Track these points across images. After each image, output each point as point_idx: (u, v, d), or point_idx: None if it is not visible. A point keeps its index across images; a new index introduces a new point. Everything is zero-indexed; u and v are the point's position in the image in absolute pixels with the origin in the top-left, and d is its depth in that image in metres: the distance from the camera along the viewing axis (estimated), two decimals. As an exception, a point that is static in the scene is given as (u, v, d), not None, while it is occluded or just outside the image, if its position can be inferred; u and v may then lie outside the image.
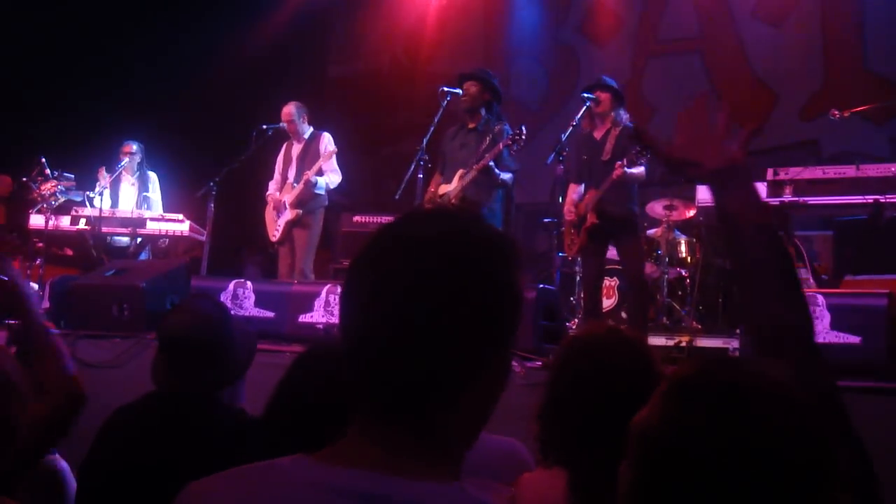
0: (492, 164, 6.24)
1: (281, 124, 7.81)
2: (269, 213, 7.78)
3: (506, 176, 6.40)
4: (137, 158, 8.53)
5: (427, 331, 1.06)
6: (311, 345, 2.14)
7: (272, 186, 7.85)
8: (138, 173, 8.54)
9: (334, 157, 7.65)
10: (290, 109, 7.76)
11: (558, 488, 2.00)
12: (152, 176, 8.61)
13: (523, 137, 6.19)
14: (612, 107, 6.26)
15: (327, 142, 7.69)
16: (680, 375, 1.11)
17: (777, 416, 1.02)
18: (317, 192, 7.56)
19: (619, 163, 6.09)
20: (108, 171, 8.32)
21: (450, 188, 6.46)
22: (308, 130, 7.82)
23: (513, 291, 1.13)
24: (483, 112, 6.61)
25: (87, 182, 8.29)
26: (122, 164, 8.30)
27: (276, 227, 7.67)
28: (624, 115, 6.35)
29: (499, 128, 6.31)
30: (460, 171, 6.41)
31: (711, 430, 1.03)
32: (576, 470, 1.99)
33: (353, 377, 1.13)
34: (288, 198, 7.58)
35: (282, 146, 7.98)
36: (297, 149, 7.80)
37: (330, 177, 7.61)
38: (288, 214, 7.56)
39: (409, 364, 1.07)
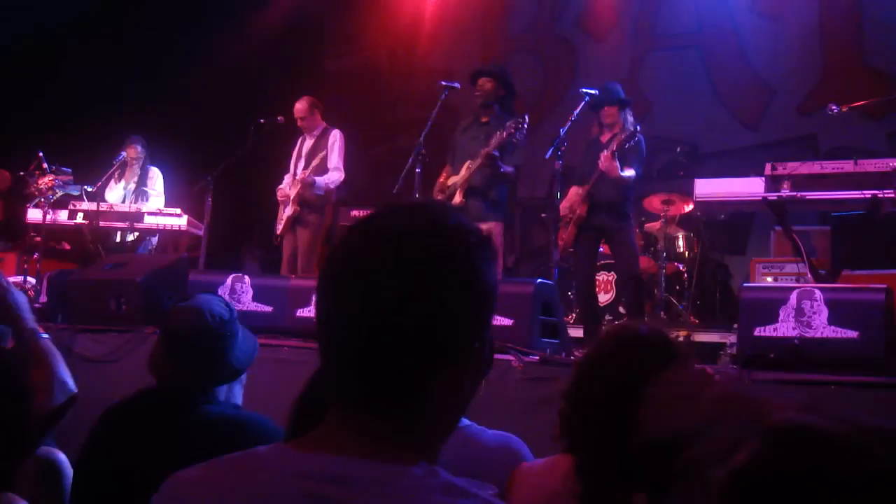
0: (496, 153, 6.33)
1: (278, 118, 7.81)
2: (280, 204, 7.80)
3: (508, 169, 6.47)
4: (141, 160, 8.56)
5: (397, 323, 1.09)
6: None
7: (286, 180, 7.84)
8: (139, 173, 8.55)
9: (340, 155, 7.64)
10: (301, 105, 7.75)
11: (556, 477, 2.02)
12: (155, 171, 8.62)
13: (525, 126, 6.30)
14: (619, 115, 6.48)
15: (335, 139, 7.67)
16: (780, 422, 1.08)
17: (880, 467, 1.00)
18: (315, 191, 7.55)
19: (604, 153, 6.23)
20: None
21: (457, 178, 6.58)
22: (320, 126, 7.80)
23: (483, 284, 1.14)
24: (497, 108, 6.73)
25: (84, 176, 8.28)
26: (120, 158, 8.27)
27: (280, 220, 7.72)
28: (630, 119, 6.51)
29: (509, 122, 6.39)
30: (468, 162, 6.50)
31: (813, 478, 1.02)
32: (585, 456, 2.00)
33: (326, 367, 1.16)
34: (292, 193, 7.60)
35: (296, 140, 7.97)
36: (307, 144, 7.80)
37: (330, 175, 7.59)
38: (289, 210, 7.59)
39: (381, 356, 1.10)
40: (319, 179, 7.52)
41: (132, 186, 8.51)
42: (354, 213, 8.83)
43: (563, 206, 6.51)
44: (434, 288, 1.10)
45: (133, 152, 8.52)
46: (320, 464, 1.10)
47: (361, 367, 1.11)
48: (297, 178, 7.53)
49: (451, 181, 6.67)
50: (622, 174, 6.26)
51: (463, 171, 6.54)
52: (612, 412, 1.99)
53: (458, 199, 6.47)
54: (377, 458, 1.09)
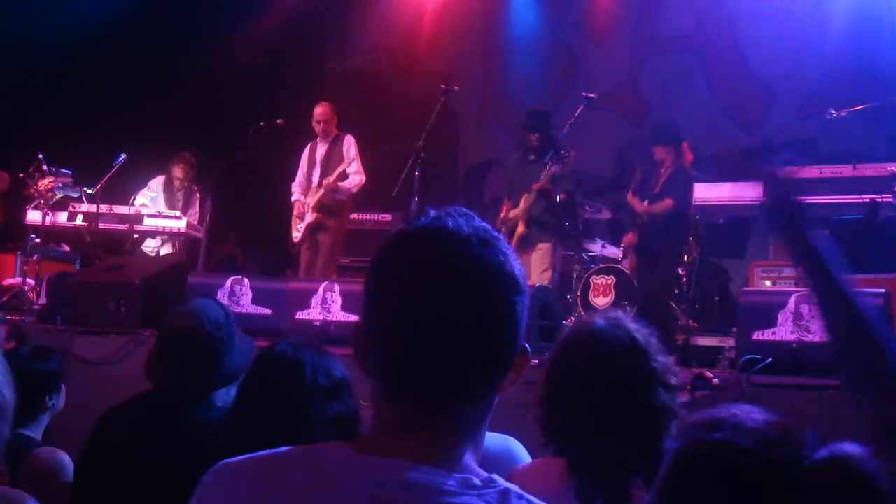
0: (550, 185, 7.06)
1: (278, 121, 7.81)
2: (295, 214, 7.81)
3: (560, 196, 7.22)
4: (188, 181, 8.59)
5: (468, 332, 1.12)
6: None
7: (296, 189, 7.85)
8: (183, 196, 8.58)
9: (358, 159, 7.66)
10: (325, 110, 7.74)
11: (553, 477, 2.03)
12: (196, 195, 8.68)
13: (567, 159, 7.04)
14: (668, 152, 7.15)
15: (350, 144, 7.68)
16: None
17: None
18: (338, 196, 7.60)
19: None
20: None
21: (517, 211, 7.25)
22: (333, 132, 7.80)
23: (527, 289, 1.20)
24: (541, 143, 7.31)
25: (83, 178, 8.28)
26: (119, 160, 8.25)
27: (297, 229, 7.73)
28: (680, 159, 7.14)
29: (553, 154, 7.08)
30: (525, 195, 7.15)
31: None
32: (573, 454, 2.02)
33: (384, 368, 1.16)
34: (311, 201, 7.63)
35: (304, 147, 7.95)
36: (321, 151, 7.78)
37: (352, 179, 7.62)
38: (309, 217, 7.61)
39: (455, 357, 1.12)
40: (342, 184, 7.58)
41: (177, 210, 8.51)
42: (354, 215, 8.83)
43: None
44: (506, 291, 1.14)
45: (180, 173, 8.56)
46: (383, 469, 1.10)
47: (432, 369, 1.12)
48: (323, 185, 7.55)
49: (511, 213, 7.33)
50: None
51: (521, 204, 7.20)
52: (587, 411, 2.02)
53: (521, 228, 7.19)
54: (437, 464, 1.11)
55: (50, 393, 3.35)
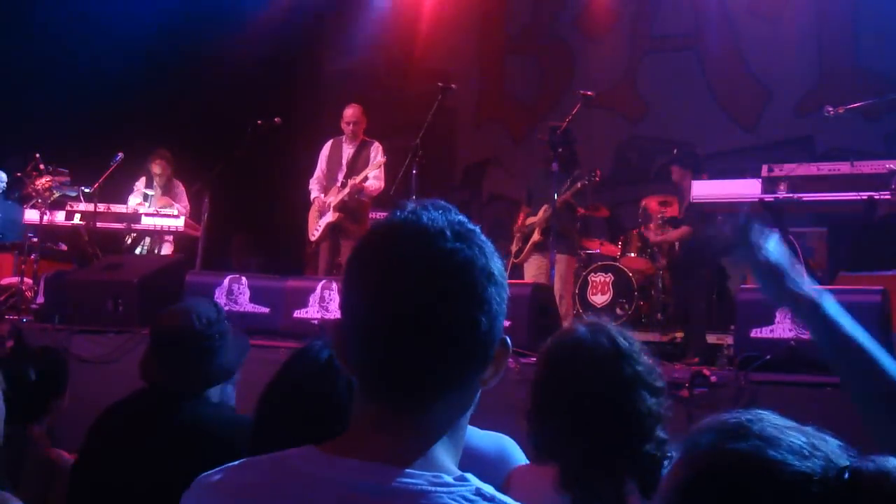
0: (573, 200, 7.20)
1: (276, 120, 7.79)
2: (312, 212, 7.84)
3: (580, 209, 7.48)
4: (167, 176, 8.71)
5: (443, 327, 1.10)
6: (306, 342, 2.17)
7: (314, 186, 7.87)
8: (165, 189, 8.69)
9: (383, 167, 7.70)
10: (356, 112, 7.82)
11: (548, 481, 2.03)
12: (180, 187, 8.79)
13: (597, 180, 7.29)
14: (684, 176, 7.13)
15: (378, 152, 7.73)
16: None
17: None
18: (362, 197, 7.67)
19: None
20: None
21: (535, 219, 7.29)
22: (360, 137, 7.85)
23: (506, 280, 1.18)
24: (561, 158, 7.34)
25: (81, 177, 8.27)
26: (117, 159, 8.24)
27: (316, 227, 7.75)
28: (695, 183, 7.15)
29: (578, 171, 7.18)
30: (545, 206, 7.14)
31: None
32: (566, 464, 2.02)
33: (362, 368, 1.15)
34: (332, 200, 7.65)
35: (325, 143, 7.98)
36: (348, 152, 7.82)
37: (373, 183, 7.66)
38: (329, 216, 7.64)
39: (432, 354, 1.10)
40: (367, 185, 7.63)
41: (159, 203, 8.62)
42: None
43: None
44: (480, 284, 1.12)
45: (157, 168, 8.68)
46: (355, 471, 1.09)
47: (409, 367, 1.11)
48: (349, 185, 7.57)
49: (528, 221, 7.37)
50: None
51: (540, 213, 7.20)
52: (574, 420, 2.02)
53: (536, 236, 7.25)
54: (410, 463, 1.10)
55: (54, 394, 3.35)
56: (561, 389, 2.06)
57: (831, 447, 1.04)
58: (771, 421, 1.06)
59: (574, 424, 2.02)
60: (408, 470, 1.09)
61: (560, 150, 6.89)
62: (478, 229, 1.17)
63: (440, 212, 1.16)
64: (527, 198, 7.57)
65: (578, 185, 7.12)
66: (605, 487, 1.99)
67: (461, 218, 1.17)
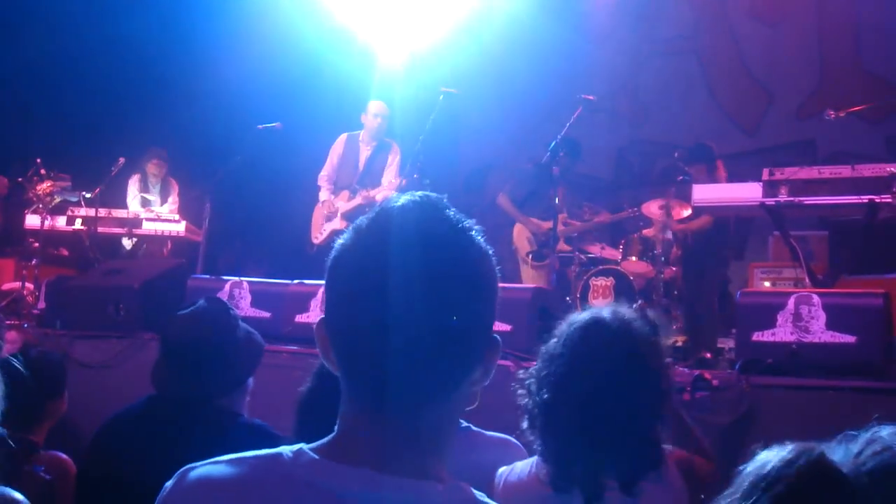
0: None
1: (276, 124, 7.78)
2: (319, 213, 7.52)
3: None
4: (163, 175, 8.80)
5: (431, 329, 1.06)
6: None
7: (323, 182, 7.52)
8: (162, 188, 8.76)
9: (397, 171, 7.27)
10: (382, 108, 7.37)
11: (534, 477, 2.05)
12: (174, 185, 8.84)
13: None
14: (700, 170, 7.19)
15: (397, 156, 7.32)
16: None
17: None
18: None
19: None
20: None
21: (550, 226, 7.35)
22: (380, 137, 7.44)
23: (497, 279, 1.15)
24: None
25: (82, 182, 8.27)
26: (118, 164, 8.25)
27: (321, 231, 7.45)
28: (714, 177, 7.20)
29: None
30: (562, 218, 7.33)
31: None
32: (559, 462, 2.03)
33: (353, 375, 1.11)
34: (342, 206, 7.32)
35: (338, 137, 7.60)
36: (365, 153, 7.43)
37: (387, 194, 7.44)
38: (336, 223, 7.27)
39: (425, 359, 1.07)
40: (380, 197, 7.23)
41: (157, 200, 8.69)
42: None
43: None
44: (468, 282, 1.09)
45: (154, 169, 8.74)
46: (345, 477, 1.06)
47: (396, 371, 1.06)
48: (362, 196, 7.13)
49: (545, 225, 7.56)
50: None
51: (560, 227, 7.29)
52: (583, 410, 2.03)
53: (561, 245, 7.51)
54: (400, 471, 1.06)
55: (53, 398, 3.34)
56: (594, 361, 2.10)
57: None
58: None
59: (572, 423, 2.03)
60: (396, 477, 1.06)
61: (560, 161, 6.92)
62: (469, 226, 1.13)
63: (429, 209, 1.12)
64: (540, 206, 7.61)
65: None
66: (587, 481, 2.01)
67: (451, 214, 1.12)
